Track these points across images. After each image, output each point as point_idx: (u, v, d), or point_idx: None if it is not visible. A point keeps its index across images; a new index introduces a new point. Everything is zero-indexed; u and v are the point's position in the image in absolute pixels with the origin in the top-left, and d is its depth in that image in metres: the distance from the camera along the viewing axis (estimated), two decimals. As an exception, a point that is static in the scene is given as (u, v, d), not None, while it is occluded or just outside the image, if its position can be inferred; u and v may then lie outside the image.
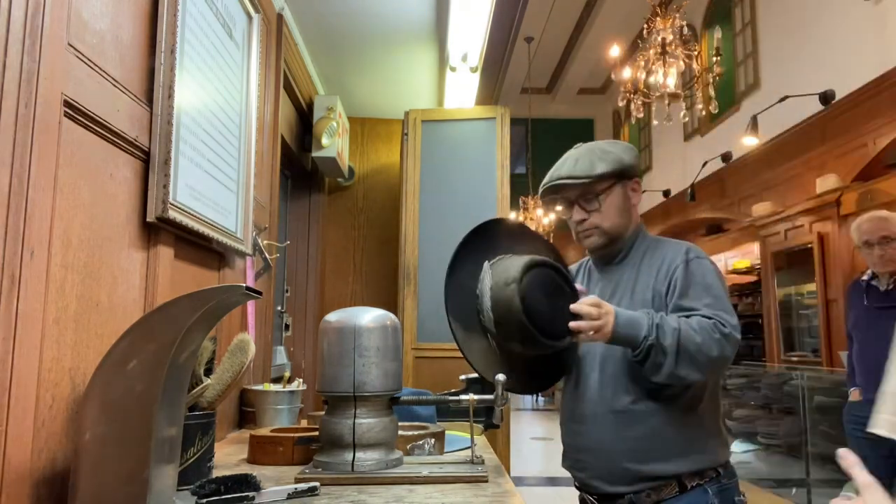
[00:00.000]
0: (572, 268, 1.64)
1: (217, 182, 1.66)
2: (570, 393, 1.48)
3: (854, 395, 2.87)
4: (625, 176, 1.48)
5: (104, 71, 1.15)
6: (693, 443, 1.35)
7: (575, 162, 1.47)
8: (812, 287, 5.35)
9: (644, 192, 2.52)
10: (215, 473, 1.24)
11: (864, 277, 2.85)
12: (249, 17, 1.98)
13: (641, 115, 4.64)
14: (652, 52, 4.31)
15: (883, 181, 4.59)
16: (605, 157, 1.46)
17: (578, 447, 1.45)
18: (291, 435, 1.49)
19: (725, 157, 6.84)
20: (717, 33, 4.41)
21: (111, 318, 1.20)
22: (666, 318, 1.28)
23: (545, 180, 1.52)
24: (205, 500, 1.07)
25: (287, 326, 3.59)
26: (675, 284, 1.37)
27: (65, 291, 1.05)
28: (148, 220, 1.31)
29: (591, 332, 1.26)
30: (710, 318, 1.28)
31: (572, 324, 1.26)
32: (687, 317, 1.29)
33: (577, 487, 1.49)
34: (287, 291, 3.66)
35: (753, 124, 5.24)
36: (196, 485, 1.10)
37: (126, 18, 1.26)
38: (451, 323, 1.33)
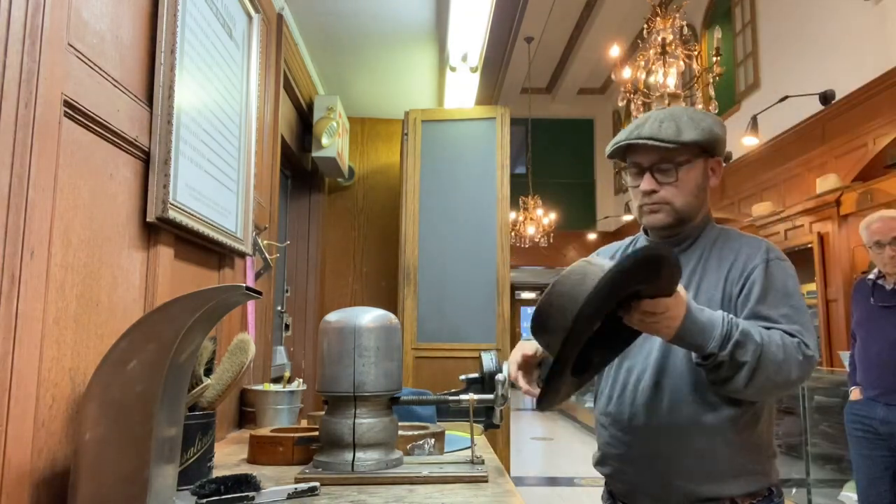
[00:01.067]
0: (616, 245, 1.50)
1: (217, 182, 1.66)
2: (615, 397, 1.33)
3: (854, 393, 2.87)
4: (711, 152, 1.30)
5: (104, 71, 1.15)
6: (751, 463, 1.25)
7: (659, 123, 1.27)
8: (812, 287, 5.35)
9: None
10: (215, 473, 1.24)
11: (871, 276, 2.86)
12: (249, 17, 1.98)
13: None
14: (652, 52, 4.31)
15: (883, 181, 4.59)
16: (696, 125, 1.27)
17: (623, 457, 1.32)
18: (291, 435, 1.49)
19: (725, 157, 6.84)
20: (717, 33, 4.42)
21: (111, 318, 1.20)
22: (747, 333, 1.11)
23: (618, 138, 1.31)
24: (205, 500, 1.07)
25: (287, 326, 3.59)
26: (752, 288, 1.22)
27: (65, 291, 1.05)
28: (148, 220, 1.31)
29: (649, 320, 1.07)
30: (793, 335, 1.15)
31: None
32: (767, 328, 1.15)
33: (612, 494, 1.38)
34: (287, 291, 3.66)
35: (753, 124, 5.25)
36: (196, 485, 1.10)
37: (126, 18, 1.25)
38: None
